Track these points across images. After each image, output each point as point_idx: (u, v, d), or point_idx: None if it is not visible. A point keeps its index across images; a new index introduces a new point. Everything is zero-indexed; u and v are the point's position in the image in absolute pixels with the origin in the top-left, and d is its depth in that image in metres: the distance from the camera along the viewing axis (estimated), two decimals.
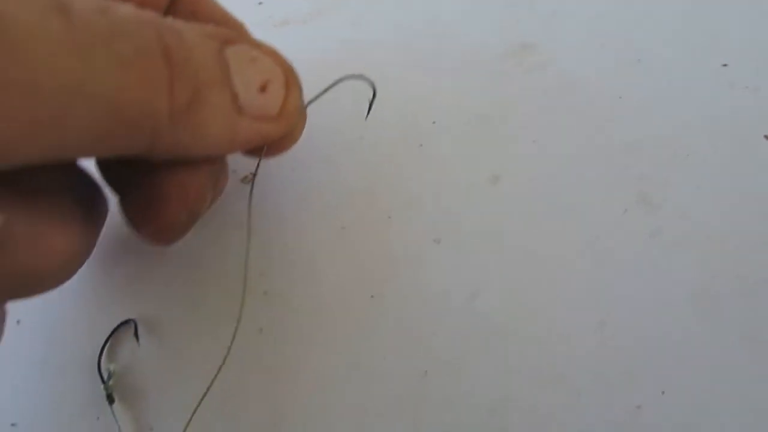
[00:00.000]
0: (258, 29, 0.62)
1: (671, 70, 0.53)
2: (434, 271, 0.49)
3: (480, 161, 0.51)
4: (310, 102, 0.50)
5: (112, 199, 0.43)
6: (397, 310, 0.48)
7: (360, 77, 0.53)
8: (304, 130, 0.47)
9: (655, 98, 0.52)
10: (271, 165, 0.54)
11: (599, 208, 0.48)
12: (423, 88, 0.56)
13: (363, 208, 0.52)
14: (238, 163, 0.55)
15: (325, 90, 0.52)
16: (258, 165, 0.46)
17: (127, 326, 0.50)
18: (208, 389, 0.43)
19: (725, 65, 0.52)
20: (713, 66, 0.52)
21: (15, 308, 0.52)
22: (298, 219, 0.51)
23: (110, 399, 0.47)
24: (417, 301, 0.48)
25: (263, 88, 0.41)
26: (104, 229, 0.51)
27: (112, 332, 0.50)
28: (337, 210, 0.52)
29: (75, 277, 0.49)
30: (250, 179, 0.55)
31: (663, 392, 0.43)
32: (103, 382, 0.48)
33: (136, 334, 0.50)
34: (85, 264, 0.49)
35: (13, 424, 0.48)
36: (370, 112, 0.51)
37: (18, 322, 0.52)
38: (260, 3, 0.64)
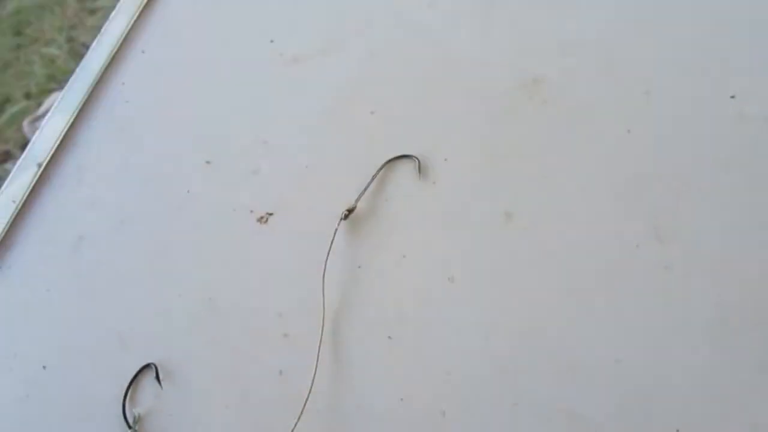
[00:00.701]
0: (269, 67, 0.63)
1: (680, 103, 0.53)
2: (448, 310, 0.49)
3: (493, 198, 0.52)
4: (362, 193, 0.53)
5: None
6: (413, 350, 0.48)
7: (402, 157, 0.54)
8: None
9: (664, 131, 0.52)
10: (291, 206, 0.55)
11: (612, 243, 0.49)
12: (434, 125, 0.56)
13: (378, 247, 0.52)
14: (256, 203, 0.56)
15: (373, 178, 0.54)
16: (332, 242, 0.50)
17: (148, 370, 0.51)
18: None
19: (733, 97, 0.52)
20: (721, 98, 0.52)
21: (40, 353, 0.53)
22: (314, 261, 0.51)
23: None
24: (432, 341, 0.48)
25: None
26: (123, 273, 0.52)
27: (135, 377, 0.51)
28: (353, 251, 0.52)
29: (94, 322, 0.51)
30: (266, 219, 0.56)
31: (678, 430, 0.43)
32: (130, 426, 0.49)
33: (157, 378, 0.51)
34: (106, 309, 0.51)
35: None
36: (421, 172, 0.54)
37: (44, 367, 0.53)
38: (272, 41, 0.65)
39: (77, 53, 2.45)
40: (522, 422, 0.45)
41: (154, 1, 0.69)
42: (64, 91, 0.65)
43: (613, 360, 0.45)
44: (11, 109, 2.35)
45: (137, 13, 0.68)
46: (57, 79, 2.40)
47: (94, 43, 0.67)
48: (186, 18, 0.68)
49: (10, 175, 0.61)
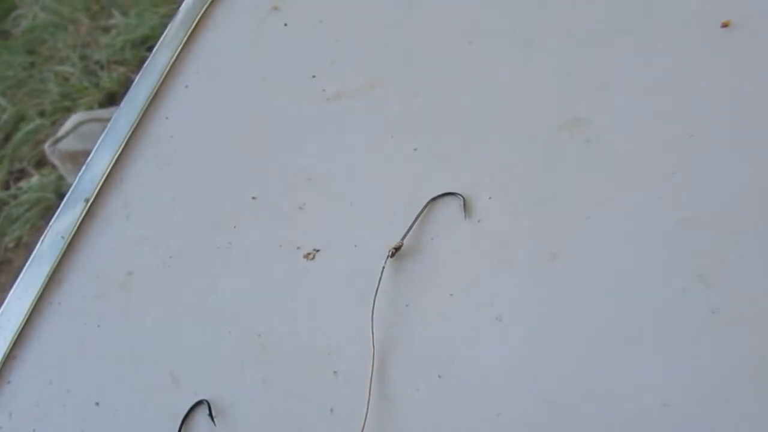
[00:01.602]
0: (311, 103, 0.64)
1: (724, 145, 0.54)
2: (497, 350, 0.50)
3: (537, 238, 0.53)
4: (408, 231, 0.55)
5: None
6: (463, 390, 0.49)
7: (446, 195, 0.55)
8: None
9: (709, 174, 0.53)
10: (337, 243, 0.56)
11: (658, 286, 0.49)
12: (477, 162, 0.57)
13: (425, 286, 0.53)
14: (303, 240, 0.57)
15: (418, 216, 0.55)
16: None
17: (201, 407, 0.52)
18: None
19: None
20: (766, 140, 0.53)
21: (93, 389, 0.54)
22: (361, 298, 0.52)
23: None
24: (482, 381, 0.49)
25: None
26: (172, 309, 0.53)
27: (188, 413, 0.52)
28: (400, 289, 0.53)
29: (145, 358, 0.52)
30: (313, 256, 0.57)
31: None
32: None
33: (210, 415, 0.52)
34: (157, 345, 0.52)
35: None
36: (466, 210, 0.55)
37: (97, 403, 0.54)
38: (314, 76, 0.66)
39: (91, 71, 2.48)
40: None
41: (197, 36, 0.70)
42: (108, 127, 0.67)
43: (661, 404, 0.46)
44: (26, 128, 2.38)
45: (180, 48, 0.69)
46: (71, 97, 2.43)
47: (138, 78, 0.69)
48: (228, 53, 0.69)
49: (58, 211, 0.62)
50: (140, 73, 0.70)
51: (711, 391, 0.46)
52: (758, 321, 0.47)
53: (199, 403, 0.52)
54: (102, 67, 2.47)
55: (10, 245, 2.15)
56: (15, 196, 2.24)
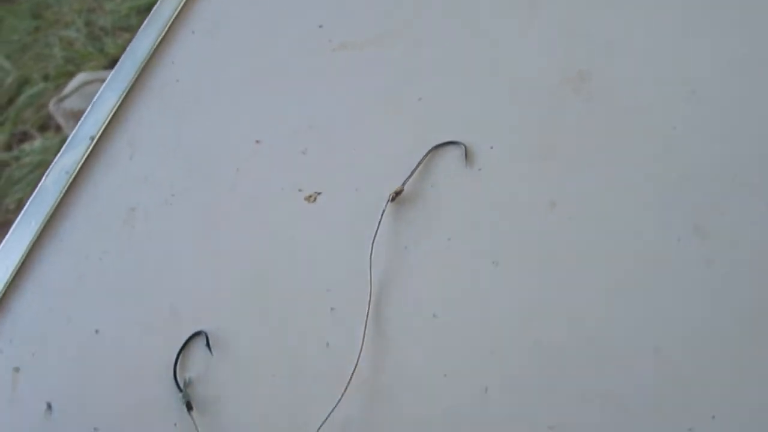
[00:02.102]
0: (318, 52, 0.65)
1: (725, 102, 0.54)
2: (493, 292, 0.51)
3: (537, 187, 0.54)
4: (409, 176, 0.55)
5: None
6: (458, 329, 0.50)
7: (449, 144, 0.56)
8: None
9: (708, 129, 0.53)
10: (339, 187, 0.57)
11: (654, 236, 0.50)
12: (481, 113, 0.58)
13: (424, 230, 0.54)
14: (305, 182, 0.58)
15: (420, 162, 0.55)
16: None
17: (199, 338, 0.53)
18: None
19: None
20: (765, 97, 0.54)
21: (93, 318, 0.55)
22: (361, 240, 0.53)
23: (189, 406, 0.50)
24: (477, 321, 0.50)
25: None
26: (174, 245, 0.54)
27: (186, 343, 0.53)
28: (399, 232, 0.54)
29: (146, 291, 0.53)
30: (314, 198, 0.57)
31: (713, 417, 0.44)
32: (181, 390, 0.51)
33: (208, 345, 0.52)
34: (157, 278, 0.53)
35: (95, 429, 0.51)
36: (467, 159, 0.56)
37: (96, 331, 0.55)
38: (320, 26, 0.66)
39: (95, 37, 2.47)
40: (561, 402, 0.46)
41: None
42: (115, 68, 0.67)
43: (651, 348, 0.47)
44: (29, 91, 2.38)
45: None
46: (75, 62, 2.42)
47: (145, 23, 0.69)
48: None
49: (63, 148, 0.63)
50: (148, 18, 0.70)
51: (702, 338, 0.47)
52: (751, 272, 0.48)
53: (197, 333, 0.53)
54: (107, 33, 2.47)
55: (11, 207, 2.16)
56: (17, 158, 2.24)
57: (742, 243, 0.49)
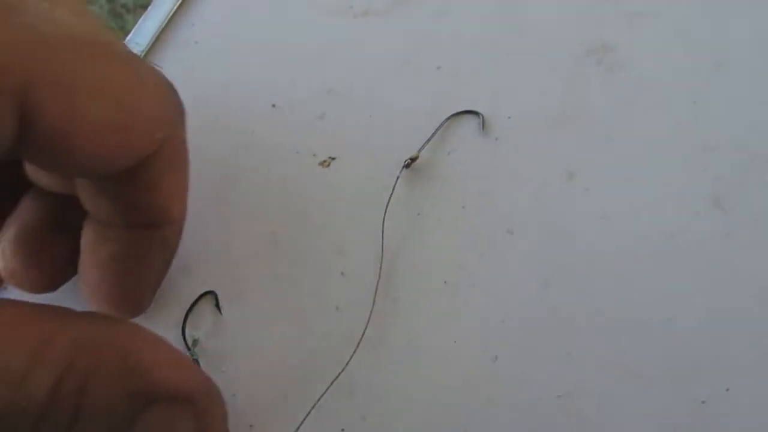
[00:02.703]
0: (338, 19, 0.64)
1: (750, 77, 0.53)
2: (506, 261, 0.50)
3: (555, 157, 0.53)
4: (425, 144, 0.55)
5: None
6: (469, 296, 0.50)
7: (466, 113, 0.55)
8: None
9: (732, 103, 0.52)
10: (354, 153, 0.57)
11: (672, 209, 0.50)
12: (500, 82, 0.57)
13: (438, 197, 0.54)
14: (320, 147, 0.58)
15: (436, 130, 0.55)
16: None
17: (208, 297, 0.53)
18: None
19: None
20: None
21: None
22: (374, 205, 0.53)
23: (196, 364, 0.50)
24: (488, 289, 0.50)
25: None
26: (188, 203, 0.54)
27: (195, 302, 0.53)
28: (413, 198, 0.54)
29: None
30: (329, 163, 0.57)
31: (728, 389, 0.44)
32: (189, 348, 0.51)
33: (217, 305, 0.52)
34: None
35: None
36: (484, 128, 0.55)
37: None
38: None
39: (117, 14, 2.47)
40: (572, 371, 0.46)
41: None
42: (134, 29, 0.67)
43: (666, 318, 0.46)
44: None
45: None
46: None
47: None
48: None
49: None
50: None
51: (716, 309, 0.46)
52: None
53: (207, 293, 0.53)
54: (128, 11, 2.47)
55: None
56: None
57: (762, 217, 0.48)
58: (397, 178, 0.54)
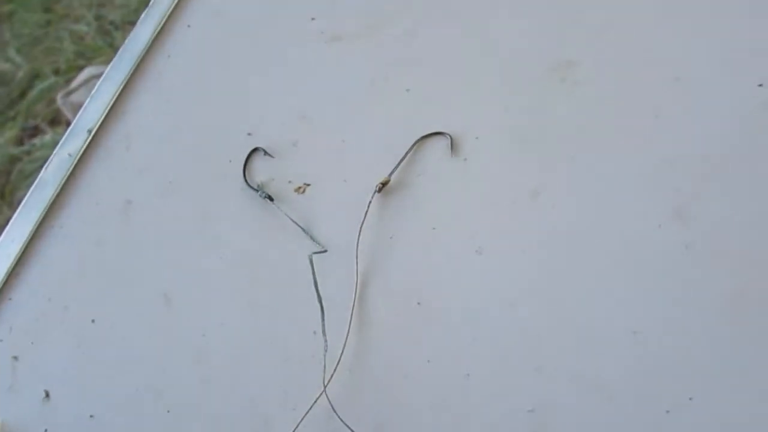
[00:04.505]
0: (310, 44, 0.66)
1: (708, 90, 0.55)
2: (476, 280, 0.52)
3: (521, 176, 0.55)
4: (396, 167, 0.57)
5: None
6: (441, 316, 0.51)
7: (435, 134, 0.57)
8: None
9: (691, 116, 0.54)
10: (328, 178, 0.58)
11: (635, 222, 0.51)
12: (467, 103, 0.59)
13: (410, 220, 0.55)
14: (294, 174, 0.59)
15: (406, 153, 0.57)
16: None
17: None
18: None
19: (761, 85, 0.54)
20: (749, 86, 0.54)
21: (90, 308, 0.57)
22: (348, 229, 0.54)
23: (270, 198, 0.57)
24: (460, 308, 0.51)
25: None
26: (168, 235, 0.55)
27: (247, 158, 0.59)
28: (385, 222, 0.55)
29: (141, 280, 0.54)
30: (303, 189, 0.59)
31: (691, 398, 0.45)
32: (256, 190, 0.58)
33: (267, 153, 0.60)
34: (152, 268, 0.54)
35: (91, 416, 0.53)
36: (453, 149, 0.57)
37: (93, 321, 0.56)
38: (313, 19, 0.67)
39: (105, 31, 2.49)
40: (542, 386, 0.48)
41: None
42: (113, 61, 0.69)
43: (631, 331, 0.48)
44: (40, 85, 2.40)
45: None
46: (85, 56, 2.44)
47: (143, 16, 0.70)
48: None
49: (62, 140, 0.64)
50: (145, 12, 0.71)
51: (679, 321, 0.48)
52: (729, 256, 0.49)
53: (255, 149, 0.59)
54: (116, 28, 2.48)
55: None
56: (28, 152, 2.26)
57: (721, 228, 0.50)
58: (369, 202, 0.56)
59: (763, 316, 0.47)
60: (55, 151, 0.64)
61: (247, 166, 0.60)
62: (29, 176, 2.19)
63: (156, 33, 0.69)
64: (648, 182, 0.53)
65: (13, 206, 2.15)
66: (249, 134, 0.62)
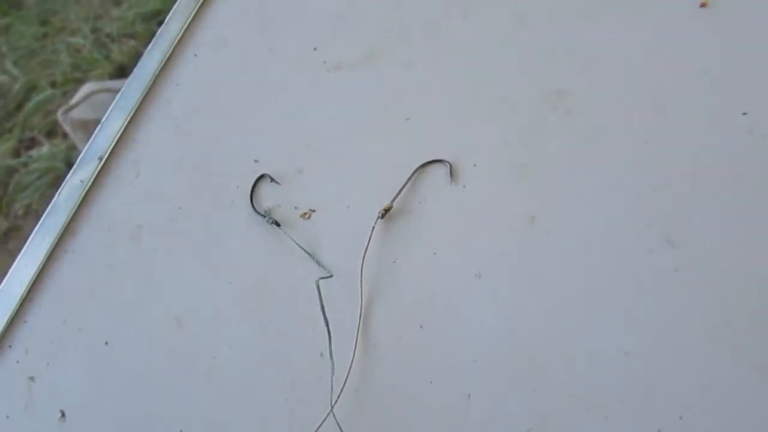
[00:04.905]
0: (313, 73, 0.68)
1: (695, 118, 0.58)
2: (475, 304, 0.54)
3: (517, 203, 0.57)
4: (398, 194, 0.59)
5: None
6: (442, 338, 0.54)
7: (435, 162, 0.60)
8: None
9: (679, 144, 0.57)
10: (332, 204, 0.60)
11: (627, 247, 0.54)
12: (465, 132, 0.61)
13: (412, 245, 0.58)
14: (300, 200, 0.62)
15: (407, 180, 0.59)
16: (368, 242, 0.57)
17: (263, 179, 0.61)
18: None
19: (745, 114, 0.57)
20: (734, 114, 0.57)
21: (103, 329, 0.59)
22: (352, 254, 0.57)
23: (277, 224, 0.59)
24: (460, 331, 0.54)
25: None
26: (178, 259, 0.57)
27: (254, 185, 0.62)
28: (388, 247, 0.58)
29: (152, 304, 0.56)
30: (309, 215, 0.61)
31: (681, 417, 0.48)
32: (263, 216, 0.60)
33: (273, 180, 0.62)
34: (162, 292, 0.56)
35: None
36: (452, 176, 0.60)
37: (106, 343, 0.58)
38: (315, 49, 0.70)
39: (102, 44, 2.51)
40: (540, 405, 0.50)
41: (207, 7, 0.74)
42: (122, 90, 0.71)
43: (623, 352, 0.50)
44: (37, 98, 2.41)
45: (191, 18, 0.73)
46: (82, 69, 2.46)
47: (151, 45, 0.73)
48: (236, 24, 0.73)
49: (74, 167, 0.66)
50: (153, 41, 0.74)
51: (669, 342, 0.50)
52: (716, 281, 0.52)
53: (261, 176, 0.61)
54: (113, 40, 2.50)
55: (20, 212, 2.19)
56: (25, 164, 2.27)
57: (710, 253, 0.52)
58: (373, 228, 0.58)
59: (748, 337, 0.49)
60: (67, 178, 0.66)
61: (254, 193, 0.62)
62: (26, 188, 2.20)
63: (164, 62, 0.71)
64: (639, 208, 0.55)
65: (10, 218, 2.17)
66: (256, 161, 0.64)
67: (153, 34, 0.74)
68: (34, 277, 0.61)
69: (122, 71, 2.30)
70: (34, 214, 2.11)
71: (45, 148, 2.28)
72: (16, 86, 2.50)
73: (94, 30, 2.57)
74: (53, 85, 2.44)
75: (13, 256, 0.63)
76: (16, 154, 2.32)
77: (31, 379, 0.58)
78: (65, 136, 2.16)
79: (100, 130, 0.68)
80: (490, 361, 0.52)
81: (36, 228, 0.64)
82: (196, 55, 0.72)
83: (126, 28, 2.51)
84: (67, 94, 2.31)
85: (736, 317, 0.50)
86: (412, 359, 0.53)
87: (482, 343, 0.53)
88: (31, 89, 2.50)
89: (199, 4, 0.74)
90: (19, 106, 2.46)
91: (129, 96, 0.70)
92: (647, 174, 0.57)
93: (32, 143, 2.34)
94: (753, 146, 0.56)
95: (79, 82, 2.35)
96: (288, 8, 0.73)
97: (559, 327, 0.52)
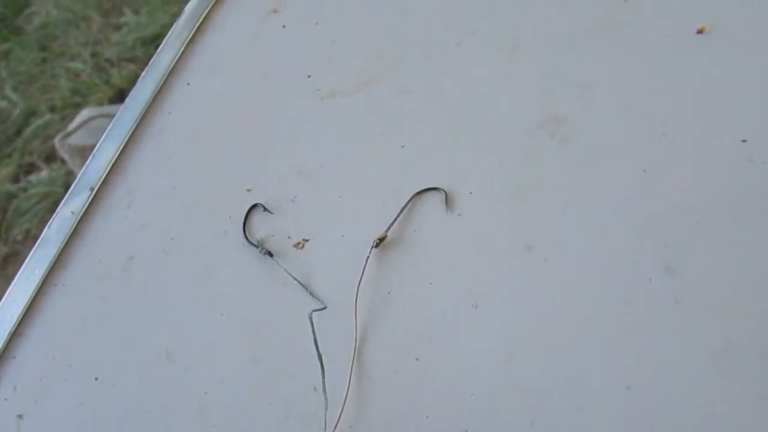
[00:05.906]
0: (306, 101, 0.68)
1: (694, 145, 0.57)
2: (472, 335, 0.53)
3: (514, 231, 0.56)
4: (393, 223, 0.58)
5: None
6: (439, 371, 0.52)
7: (430, 190, 0.59)
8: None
9: (678, 172, 0.56)
10: (326, 233, 0.60)
11: (627, 276, 0.53)
12: (461, 159, 0.61)
13: (407, 274, 0.57)
14: (293, 230, 0.61)
15: (402, 209, 0.58)
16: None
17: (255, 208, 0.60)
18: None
19: (744, 141, 0.56)
20: (733, 141, 0.56)
21: (93, 365, 0.57)
22: (347, 285, 0.56)
23: (270, 254, 0.58)
24: (457, 363, 0.52)
25: None
26: (170, 291, 0.56)
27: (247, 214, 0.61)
28: (383, 277, 0.57)
29: (143, 337, 0.55)
30: (302, 245, 0.60)
31: None
32: (256, 246, 0.59)
33: (266, 209, 0.61)
34: (154, 325, 0.55)
35: None
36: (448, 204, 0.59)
37: (96, 378, 0.57)
38: (308, 76, 0.69)
39: (101, 68, 2.52)
40: None
41: (200, 36, 0.74)
42: (113, 120, 0.70)
43: (624, 386, 0.49)
44: (36, 123, 2.42)
45: (183, 47, 0.73)
46: (81, 93, 2.47)
47: (143, 74, 0.72)
48: (229, 52, 0.73)
49: (65, 198, 0.66)
50: (145, 70, 0.73)
51: (670, 376, 0.49)
52: (717, 311, 0.50)
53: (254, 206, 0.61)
54: (112, 65, 2.51)
55: (19, 237, 2.19)
56: (24, 189, 2.27)
57: (710, 282, 0.51)
58: (367, 258, 0.57)
59: (751, 368, 0.48)
60: (57, 211, 0.65)
61: (246, 222, 0.61)
62: (25, 213, 2.20)
63: (157, 91, 0.71)
64: (638, 236, 0.54)
65: (9, 243, 2.16)
66: (248, 190, 0.64)
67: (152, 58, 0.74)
68: (24, 312, 0.60)
69: (122, 95, 2.31)
70: (33, 239, 2.10)
71: (44, 173, 2.28)
72: (16, 111, 2.51)
73: (94, 54, 2.58)
74: (53, 110, 2.45)
75: (11, 281, 0.62)
76: (16, 179, 2.32)
77: (20, 417, 0.57)
78: (64, 161, 2.16)
79: (92, 160, 0.67)
80: (488, 395, 0.51)
81: (26, 261, 0.63)
82: (188, 84, 0.71)
83: (126, 52, 2.52)
84: (67, 119, 2.32)
85: (740, 347, 0.49)
86: (407, 393, 0.52)
87: (480, 376, 0.51)
88: (30, 114, 2.50)
89: (193, 32, 0.74)
90: (19, 132, 2.47)
91: (121, 126, 0.69)
92: (645, 201, 0.55)
93: (31, 168, 2.34)
94: (752, 173, 0.55)
95: (79, 106, 2.36)
96: (282, 36, 0.73)
97: (558, 360, 0.51)
